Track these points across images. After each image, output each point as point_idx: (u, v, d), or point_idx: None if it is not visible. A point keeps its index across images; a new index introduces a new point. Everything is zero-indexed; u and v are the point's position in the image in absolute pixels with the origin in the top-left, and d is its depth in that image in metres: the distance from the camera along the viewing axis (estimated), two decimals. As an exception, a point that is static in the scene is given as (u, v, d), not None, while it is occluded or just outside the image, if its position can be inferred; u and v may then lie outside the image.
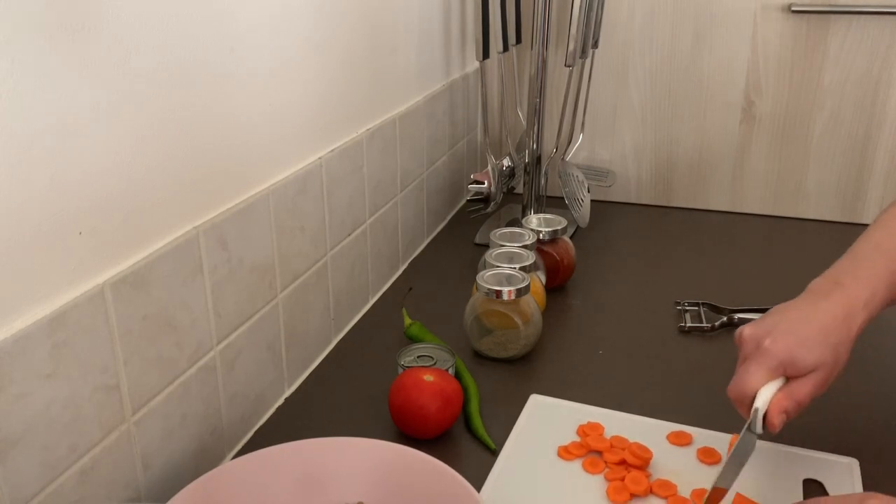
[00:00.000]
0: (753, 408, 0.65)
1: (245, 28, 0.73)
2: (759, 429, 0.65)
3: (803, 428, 0.74)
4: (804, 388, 0.65)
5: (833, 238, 1.27)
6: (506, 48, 1.16)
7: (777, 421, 0.64)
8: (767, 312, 0.71)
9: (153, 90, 0.62)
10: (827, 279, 0.70)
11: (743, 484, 0.69)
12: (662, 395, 0.85)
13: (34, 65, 0.51)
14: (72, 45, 0.54)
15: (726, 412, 0.80)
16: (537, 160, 1.24)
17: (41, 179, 0.53)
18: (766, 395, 0.65)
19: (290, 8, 0.80)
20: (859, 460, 0.73)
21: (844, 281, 0.69)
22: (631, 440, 0.75)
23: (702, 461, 0.74)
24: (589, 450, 0.75)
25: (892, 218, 0.73)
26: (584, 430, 0.77)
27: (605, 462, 0.73)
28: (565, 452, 0.75)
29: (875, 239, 0.72)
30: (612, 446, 0.75)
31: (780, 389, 0.65)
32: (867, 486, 0.70)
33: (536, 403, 0.83)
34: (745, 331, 0.69)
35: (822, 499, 0.60)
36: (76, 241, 0.57)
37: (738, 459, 0.66)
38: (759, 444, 0.75)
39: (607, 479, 0.71)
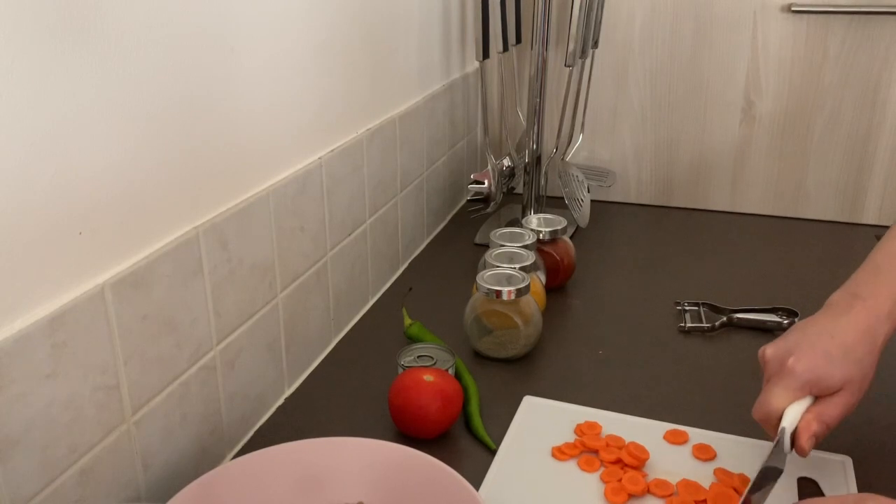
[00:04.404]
0: (780, 427, 0.64)
1: (245, 28, 0.73)
2: (786, 448, 0.63)
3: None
4: (834, 411, 0.64)
5: (833, 238, 1.27)
6: (506, 48, 1.16)
7: (807, 445, 0.63)
8: (789, 330, 0.69)
9: (153, 90, 0.62)
10: (846, 292, 0.69)
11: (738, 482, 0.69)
12: (663, 395, 0.85)
13: (34, 65, 0.51)
14: (72, 45, 0.54)
15: (726, 412, 0.80)
16: (537, 160, 1.24)
17: (41, 179, 0.53)
18: (793, 415, 0.64)
19: (290, 8, 0.80)
20: (852, 458, 0.73)
21: (864, 293, 0.67)
22: (627, 440, 0.75)
23: (697, 458, 0.74)
24: (584, 449, 0.75)
25: None
26: (581, 430, 0.77)
27: (601, 461, 0.73)
28: (559, 453, 0.74)
29: (893, 248, 0.70)
30: (607, 445, 0.75)
31: (808, 410, 0.64)
32: (860, 484, 0.70)
33: (530, 404, 0.83)
34: (768, 350, 0.68)
35: (819, 499, 0.60)
36: (76, 241, 0.57)
37: (769, 479, 0.63)
38: (756, 443, 0.75)
39: (604, 481, 0.71)
